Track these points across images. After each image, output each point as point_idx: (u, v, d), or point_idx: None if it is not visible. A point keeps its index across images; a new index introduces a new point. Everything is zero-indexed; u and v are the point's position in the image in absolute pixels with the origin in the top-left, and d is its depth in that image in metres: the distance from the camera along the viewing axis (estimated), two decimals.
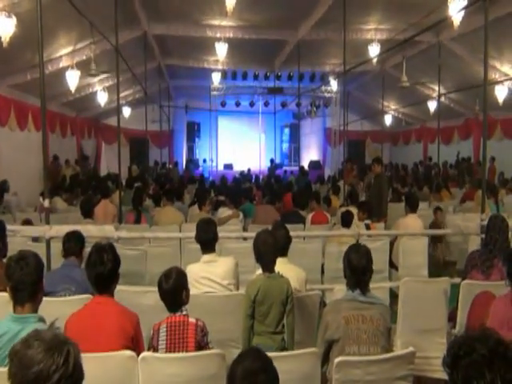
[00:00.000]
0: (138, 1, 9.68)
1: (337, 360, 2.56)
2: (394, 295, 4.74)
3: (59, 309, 3.00)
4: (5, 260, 3.75)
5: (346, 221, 5.99)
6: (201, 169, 21.62)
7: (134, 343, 2.72)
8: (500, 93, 11.72)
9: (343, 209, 7.05)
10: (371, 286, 2.94)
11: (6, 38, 6.70)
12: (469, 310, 3.39)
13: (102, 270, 2.76)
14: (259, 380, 1.74)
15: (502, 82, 11.65)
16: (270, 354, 1.98)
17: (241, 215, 7.53)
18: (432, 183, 11.67)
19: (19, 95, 11.11)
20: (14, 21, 6.76)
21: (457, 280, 4.12)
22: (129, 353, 2.56)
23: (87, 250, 3.09)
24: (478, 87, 10.32)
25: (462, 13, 7.78)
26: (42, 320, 2.47)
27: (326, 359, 2.82)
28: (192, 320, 2.79)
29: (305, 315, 3.58)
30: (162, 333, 2.75)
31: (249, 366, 1.77)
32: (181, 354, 2.68)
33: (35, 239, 5.44)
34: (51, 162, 13.51)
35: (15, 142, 11.11)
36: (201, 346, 2.75)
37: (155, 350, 2.75)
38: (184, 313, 2.82)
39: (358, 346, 2.72)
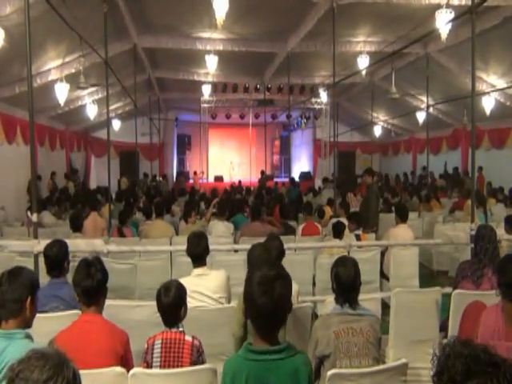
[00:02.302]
0: (127, 14, 9.69)
1: (329, 373, 2.53)
2: (385, 306, 4.72)
3: (47, 325, 2.96)
4: None
5: (338, 231, 5.99)
6: (191, 181, 21.57)
7: (124, 362, 2.67)
8: (487, 104, 11.87)
9: (334, 220, 7.05)
10: (362, 297, 2.93)
11: None
12: (460, 320, 3.38)
13: (90, 283, 2.72)
14: (276, 285, 1.95)
15: (488, 93, 11.80)
16: None
17: (232, 227, 7.51)
18: (420, 193, 11.73)
19: (7, 108, 11.05)
20: (2, 34, 6.74)
21: (448, 290, 4.12)
22: (119, 369, 2.52)
23: (75, 264, 3.05)
24: (465, 98, 10.45)
25: (450, 25, 7.89)
26: (28, 337, 2.42)
27: (316, 375, 2.79)
28: (188, 338, 2.74)
29: (297, 327, 3.55)
30: (157, 349, 2.70)
31: (266, 273, 1.99)
32: (171, 370, 2.64)
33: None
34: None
35: (3, 155, 11.02)
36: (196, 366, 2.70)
37: (149, 365, 2.70)
38: (180, 329, 2.77)
39: (349, 359, 2.69)
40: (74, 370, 1.49)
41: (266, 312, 1.95)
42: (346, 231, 6.33)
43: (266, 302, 1.93)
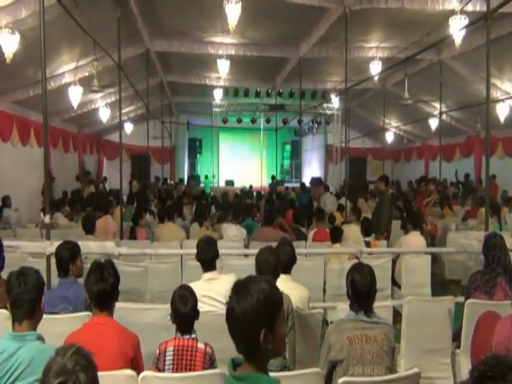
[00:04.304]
0: (141, 18, 9.77)
1: (340, 381, 2.51)
2: (396, 313, 4.67)
3: (58, 327, 2.97)
4: (2, 274, 3.75)
5: (335, 236, 5.97)
6: (202, 185, 21.61)
7: (134, 365, 2.66)
8: (501, 111, 11.76)
9: (345, 226, 7.01)
10: (374, 304, 2.90)
11: (9, 55, 6.74)
12: (474, 330, 3.33)
13: (104, 287, 2.72)
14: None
15: (503, 100, 11.70)
16: (273, 374, 1.93)
17: (244, 232, 7.51)
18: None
19: (22, 111, 11.16)
20: (17, 37, 6.81)
21: (461, 299, 4.07)
22: (129, 372, 2.51)
23: (87, 266, 3.06)
24: (479, 105, 10.36)
25: (463, 32, 7.84)
26: (40, 338, 2.43)
27: (328, 380, 2.76)
28: (201, 346, 2.73)
29: (307, 334, 3.53)
30: (169, 356, 2.69)
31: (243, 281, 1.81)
32: (181, 374, 2.63)
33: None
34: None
35: (17, 157, 11.12)
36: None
37: (160, 372, 2.69)
38: (193, 336, 2.76)
39: (363, 366, 2.66)
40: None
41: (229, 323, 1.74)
42: (359, 237, 6.29)
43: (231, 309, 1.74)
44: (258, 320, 1.67)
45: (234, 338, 1.73)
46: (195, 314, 2.81)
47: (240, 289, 1.74)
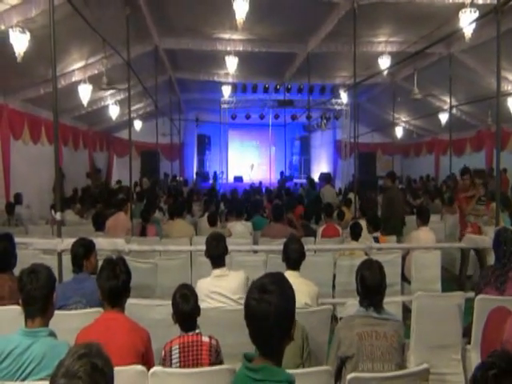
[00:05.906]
0: (149, 16, 9.79)
1: (349, 376, 2.51)
2: (406, 309, 4.66)
3: (70, 322, 3.00)
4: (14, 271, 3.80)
5: (355, 233, 5.96)
6: (211, 181, 21.63)
7: (145, 360, 2.69)
8: None
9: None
10: (383, 300, 2.89)
11: (20, 54, 6.80)
12: (484, 326, 3.31)
13: (116, 284, 2.75)
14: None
15: None
16: None
17: (250, 226, 7.54)
18: (443, 196, 11.56)
19: (33, 109, 11.25)
20: (27, 36, 6.86)
21: (471, 294, 4.05)
22: (139, 367, 2.53)
23: (99, 263, 3.09)
24: (489, 99, 10.26)
25: (474, 25, 7.76)
26: (52, 334, 2.47)
27: (338, 376, 2.77)
28: (205, 339, 2.75)
29: (316, 330, 3.53)
30: (175, 354, 2.71)
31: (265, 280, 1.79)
32: (191, 370, 2.65)
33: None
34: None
35: (28, 155, 11.22)
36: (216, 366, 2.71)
37: None
38: (197, 331, 2.79)
39: (372, 362, 2.66)
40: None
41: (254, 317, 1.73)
42: (365, 233, 6.28)
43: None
44: (294, 312, 1.76)
45: (266, 335, 1.73)
46: (197, 311, 2.83)
47: (272, 286, 1.74)
